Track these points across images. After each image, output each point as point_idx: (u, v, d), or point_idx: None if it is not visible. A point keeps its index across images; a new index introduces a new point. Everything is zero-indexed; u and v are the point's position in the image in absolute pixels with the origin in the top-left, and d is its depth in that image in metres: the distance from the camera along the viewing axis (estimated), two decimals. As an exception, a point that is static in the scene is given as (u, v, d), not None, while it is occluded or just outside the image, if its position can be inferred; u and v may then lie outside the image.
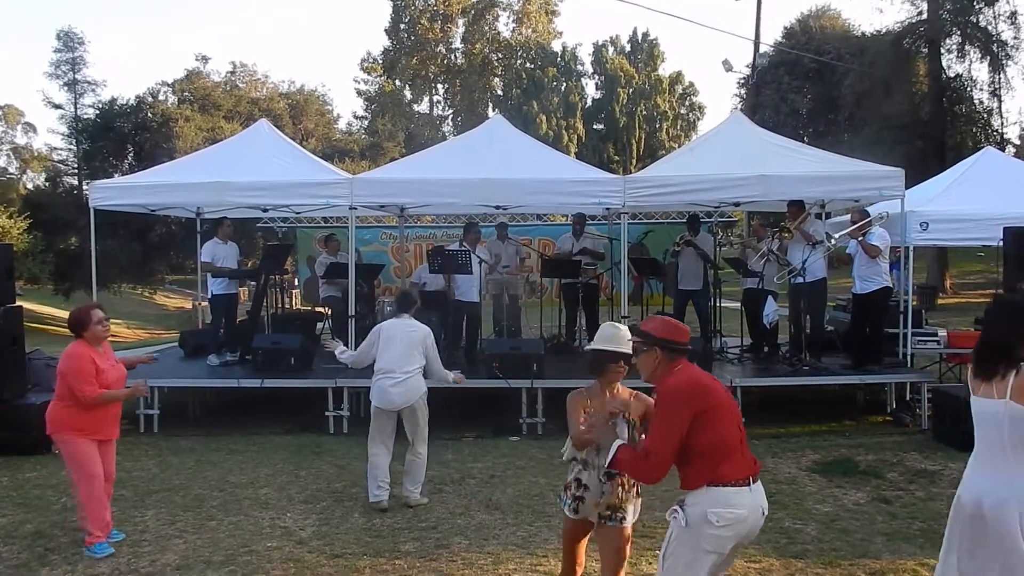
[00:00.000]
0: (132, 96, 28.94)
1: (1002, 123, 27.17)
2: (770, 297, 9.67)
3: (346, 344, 7.52)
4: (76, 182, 26.65)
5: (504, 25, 51.82)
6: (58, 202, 25.61)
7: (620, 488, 3.82)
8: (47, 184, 29.65)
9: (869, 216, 9.12)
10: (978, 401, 3.28)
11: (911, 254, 9.71)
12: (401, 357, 6.06)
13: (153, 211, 11.47)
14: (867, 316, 9.15)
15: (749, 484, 3.19)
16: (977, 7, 24.76)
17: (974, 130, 26.20)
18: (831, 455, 7.48)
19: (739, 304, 10.94)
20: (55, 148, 30.64)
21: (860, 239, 8.89)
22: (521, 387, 8.54)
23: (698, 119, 52.95)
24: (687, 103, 53.24)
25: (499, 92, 51.71)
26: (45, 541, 5.51)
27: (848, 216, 9.81)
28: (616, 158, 47.83)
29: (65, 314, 25.94)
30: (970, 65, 25.81)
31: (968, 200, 9.61)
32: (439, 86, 53.31)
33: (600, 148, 48.56)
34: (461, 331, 10.40)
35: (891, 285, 9.25)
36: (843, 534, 5.51)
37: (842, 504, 6.12)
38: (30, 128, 56.85)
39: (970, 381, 3.36)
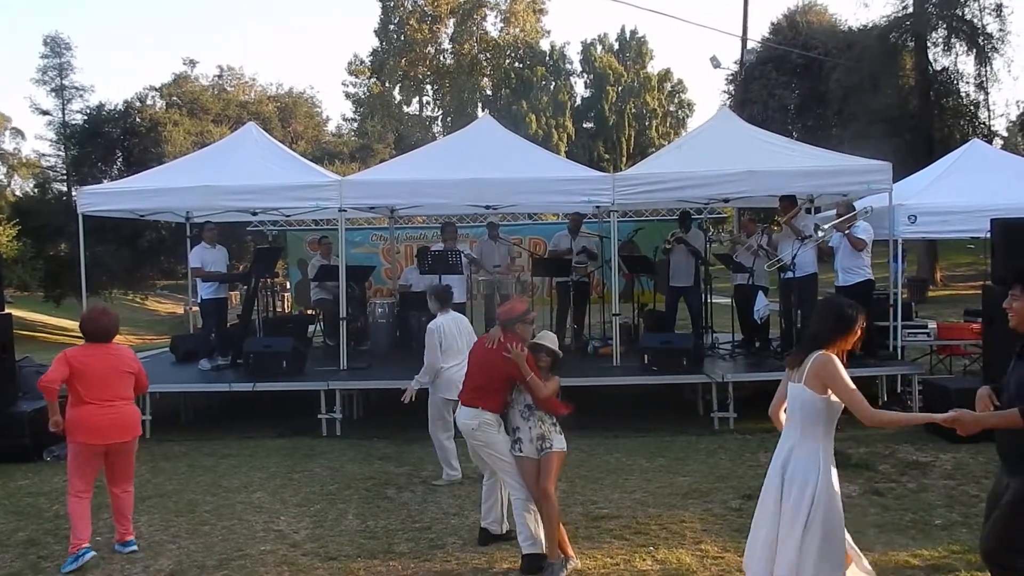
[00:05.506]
0: (120, 101, 28.84)
1: (989, 115, 27.19)
2: (761, 292, 9.71)
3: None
4: (65, 188, 26.50)
5: (492, 25, 51.86)
6: (47, 208, 25.47)
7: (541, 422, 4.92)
8: (36, 191, 29.48)
9: (855, 210, 9.16)
10: (790, 385, 3.80)
11: (900, 247, 9.74)
12: (465, 348, 6.27)
13: (142, 216, 11.45)
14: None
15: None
16: (962, 0, 24.86)
17: (961, 123, 26.20)
18: (823, 448, 7.49)
19: (730, 300, 10.97)
20: (43, 154, 30.38)
21: (847, 232, 8.94)
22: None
23: (687, 116, 53.13)
24: (676, 100, 53.34)
25: (488, 92, 51.68)
26: (38, 549, 5.49)
27: (833, 210, 9.85)
28: (606, 156, 47.84)
29: (55, 321, 25.69)
30: (956, 58, 25.85)
31: (955, 192, 9.65)
32: (428, 87, 53.30)
33: (590, 146, 48.59)
34: None
35: (872, 278, 9.30)
36: (836, 527, 5.51)
37: (834, 497, 6.13)
38: (18, 134, 56.09)
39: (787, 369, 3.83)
